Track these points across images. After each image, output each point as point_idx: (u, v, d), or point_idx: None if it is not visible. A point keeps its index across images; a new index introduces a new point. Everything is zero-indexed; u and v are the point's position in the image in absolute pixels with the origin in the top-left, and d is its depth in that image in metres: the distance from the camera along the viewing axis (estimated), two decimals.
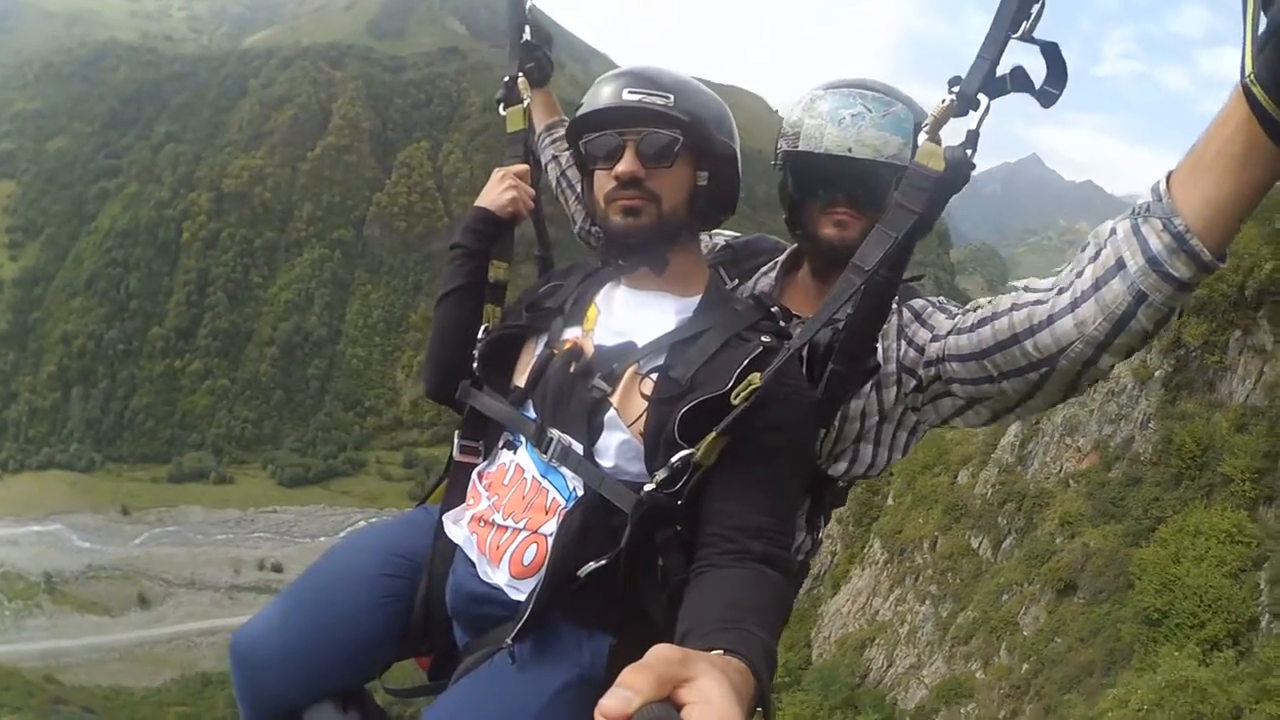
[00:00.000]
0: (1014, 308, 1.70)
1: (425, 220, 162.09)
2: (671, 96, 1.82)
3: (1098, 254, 1.50)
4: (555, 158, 2.81)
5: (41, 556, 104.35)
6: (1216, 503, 16.50)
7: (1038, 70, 1.64)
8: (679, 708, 0.82)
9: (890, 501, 28.60)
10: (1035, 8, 1.57)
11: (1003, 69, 1.64)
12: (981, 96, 1.65)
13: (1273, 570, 14.54)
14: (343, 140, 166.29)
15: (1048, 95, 1.64)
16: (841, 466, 2.09)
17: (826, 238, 2.09)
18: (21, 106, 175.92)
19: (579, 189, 2.61)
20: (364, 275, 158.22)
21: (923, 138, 1.73)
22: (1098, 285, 1.47)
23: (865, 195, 2.02)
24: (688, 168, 1.87)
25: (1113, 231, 1.48)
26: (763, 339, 1.75)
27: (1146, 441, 18.82)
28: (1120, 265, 1.43)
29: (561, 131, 2.74)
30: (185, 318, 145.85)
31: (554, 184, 2.74)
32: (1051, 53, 1.61)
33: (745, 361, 1.68)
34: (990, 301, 1.82)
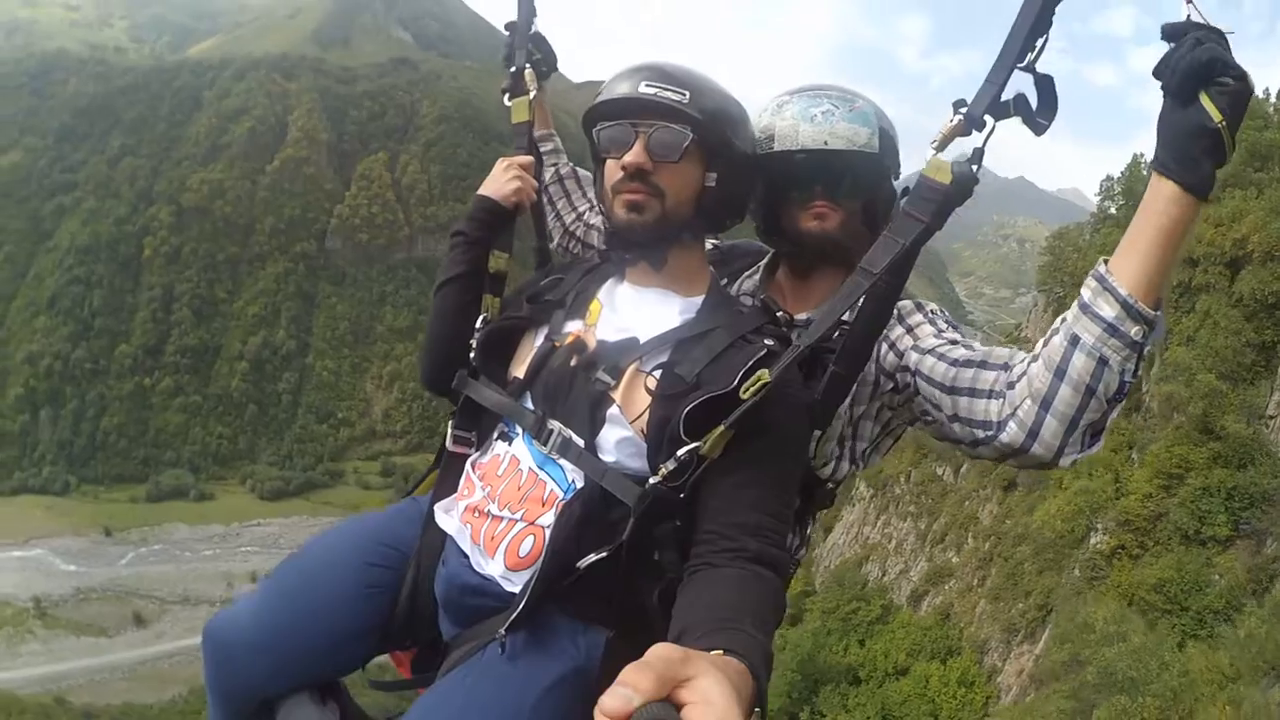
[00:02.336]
0: (984, 364, 1.84)
1: (387, 232, 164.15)
2: (688, 93, 1.83)
3: (1047, 342, 1.69)
4: (554, 166, 2.77)
5: (27, 582, 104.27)
6: None
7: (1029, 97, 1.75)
8: (679, 707, 0.83)
9: None
10: (1040, 41, 1.67)
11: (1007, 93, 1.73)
12: (987, 118, 1.73)
13: None
14: (301, 152, 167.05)
15: (1039, 125, 1.74)
16: (830, 468, 2.16)
17: (809, 231, 2.16)
18: None
19: (558, 206, 2.72)
20: (328, 288, 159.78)
21: (930, 153, 1.78)
22: (1063, 363, 1.65)
23: (840, 184, 2.11)
24: (697, 167, 1.88)
25: (1056, 330, 1.70)
26: (767, 342, 1.77)
27: None
28: (1075, 341, 1.63)
29: (552, 145, 2.79)
30: (152, 334, 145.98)
31: (548, 190, 2.71)
32: (1045, 85, 1.72)
33: (751, 361, 1.71)
34: (974, 348, 1.93)
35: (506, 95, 2.45)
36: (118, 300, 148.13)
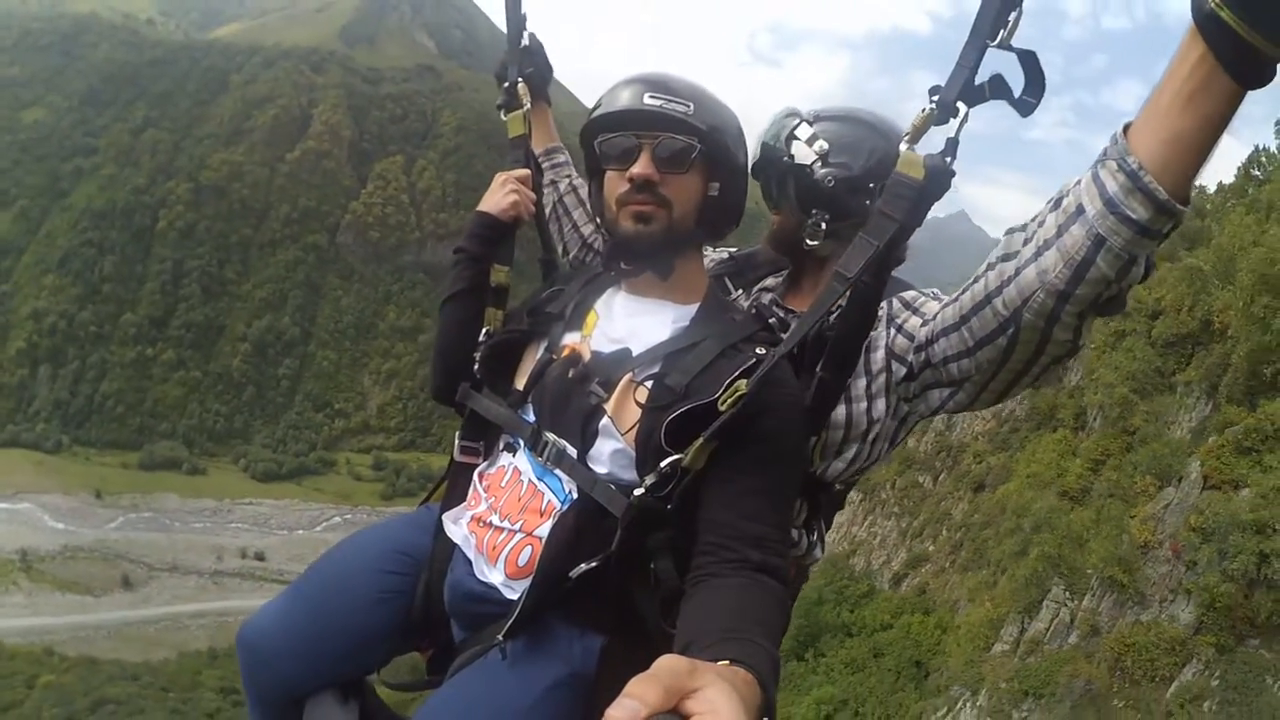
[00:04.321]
0: (988, 268, 1.69)
1: (398, 233, 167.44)
2: (691, 105, 1.84)
3: (1060, 203, 1.51)
4: (553, 182, 2.74)
5: (13, 534, 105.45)
6: (1049, 435, 31.09)
7: (1016, 80, 1.63)
8: (686, 718, 0.83)
9: None
10: (1012, 16, 1.56)
11: (982, 77, 1.63)
12: (960, 105, 1.65)
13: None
14: (322, 146, 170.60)
15: (1025, 104, 1.63)
16: (839, 466, 2.09)
17: (773, 230, 2.22)
18: None
19: (575, 217, 2.69)
20: (336, 280, 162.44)
21: (903, 146, 1.72)
22: (1059, 232, 1.47)
23: (826, 206, 2.08)
24: (700, 177, 1.89)
25: (1077, 181, 1.48)
26: (757, 350, 1.76)
27: (1020, 407, 34.25)
28: (1080, 210, 1.43)
29: (560, 158, 2.78)
30: (159, 306, 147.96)
31: (547, 210, 2.63)
32: (1029, 61, 1.61)
33: (736, 371, 1.70)
34: (975, 274, 1.78)
35: (502, 110, 2.46)
36: (128, 268, 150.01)
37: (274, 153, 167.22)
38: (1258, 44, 1.19)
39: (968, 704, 19.33)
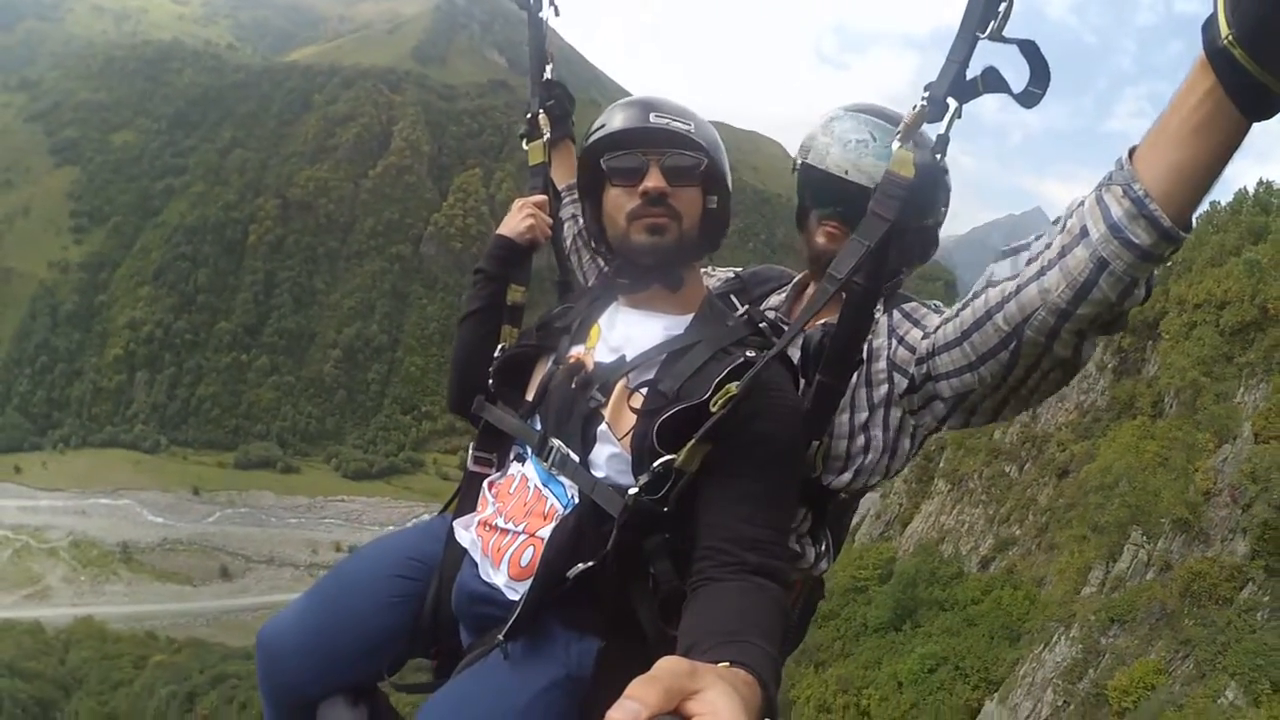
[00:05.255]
0: (989, 285, 1.67)
1: (479, 243, 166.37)
2: (692, 124, 1.92)
3: (1065, 224, 1.49)
4: (574, 216, 2.75)
5: (114, 528, 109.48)
6: (1129, 421, 32.12)
7: (1021, 73, 1.60)
8: None
9: (948, 452, 43.89)
10: (1003, 6, 1.54)
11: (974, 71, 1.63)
12: (951, 100, 1.65)
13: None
14: (404, 161, 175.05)
15: (1030, 95, 1.61)
16: (845, 479, 2.08)
17: (817, 245, 2.19)
18: (85, 96, 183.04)
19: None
20: (420, 289, 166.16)
21: (895, 144, 1.73)
22: (1063, 253, 1.46)
23: (854, 215, 1.92)
24: (702, 191, 1.96)
25: (1080, 203, 1.47)
26: (747, 353, 1.78)
27: (1101, 398, 35.85)
28: (1084, 233, 1.42)
29: None
30: (252, 315, 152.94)
31: (568, 243, 2.73)
32: (1030, 51, 1.59)
33: (724, 372, 1.72)
34: (974, 289, 1.77)
35: (524, 140, 2.62)
36: (221, 280, 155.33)
37: (357, 169, 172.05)
38: (1267, 81, 1.18)
39: (1062, 637, 21.63)
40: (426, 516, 2.50)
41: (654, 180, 1.89)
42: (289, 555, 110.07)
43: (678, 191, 1.91)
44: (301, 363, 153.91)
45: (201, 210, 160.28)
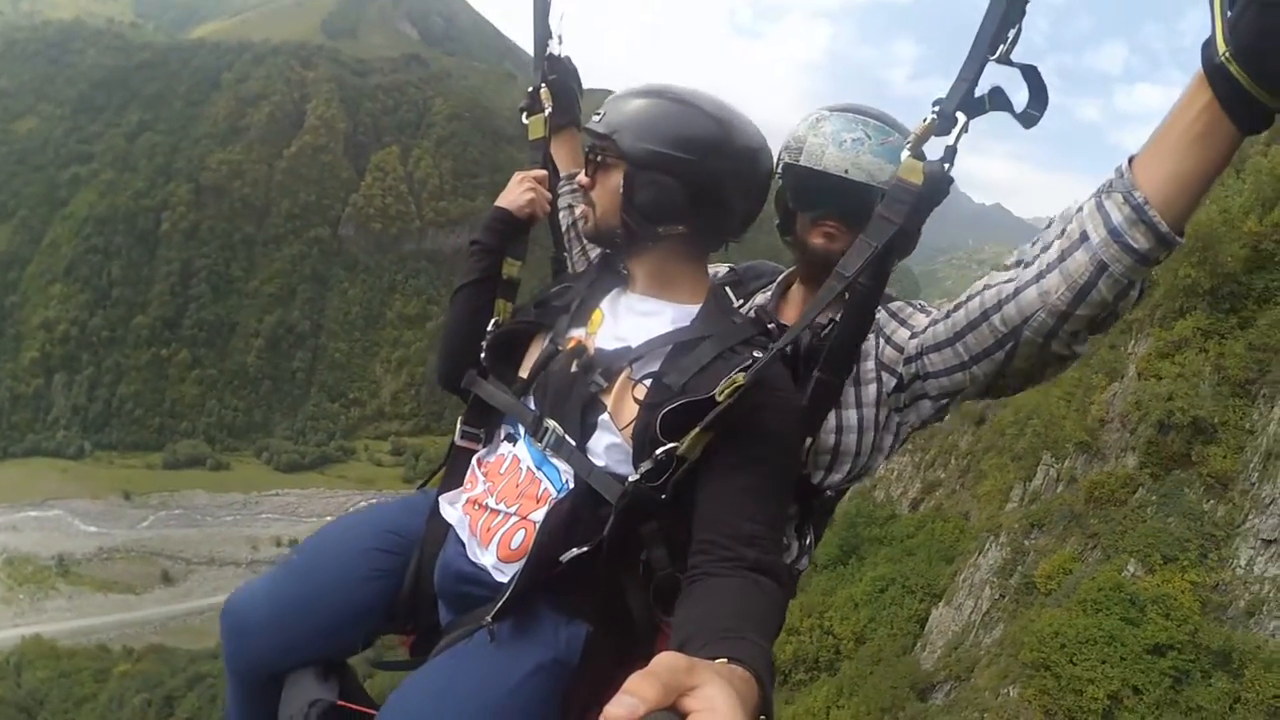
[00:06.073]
0: (985, 288, 1.74)
1: (399, 223, 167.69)
2: (604, 112, 1.93)
3: (1064, 229, 1.55)
4: (570, 206, 2.70)
5: (47, 541, 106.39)
6: None
7: (1020, 94, 1.69)
8: (684, 716, 0.83)
9: None
10: (1011, 33, 1.62)
11: (982, 89, 1.69)
12: (960, 115, 1.69)
13: None
14: (319, 140, 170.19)
15: (1029, 117, 1.69)
16: (836, 477, 2.12)
17: (814, 246, 2.16)
18: None
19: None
20: (341, 273, 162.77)
21: (905, 154, 1.76)
22: (1062, 257, 1.52)
23: (855, 214, 2.03)
24: (613, 177, 1.93)
25: (1079, 208, 1.54)
26: (754, 354, 1.77)
27: None
28: (1084, 238, 1.49)
29: None
30: (170, 307, 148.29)
31: (564, 230, 2.68)
32: (1031, 76, 1.67)
33: (733, 371, 1.69)
34: (967, 292, 1.82)
35: (524, 114, 2.56)
36: (135, 272, 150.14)
37: (271, 150, 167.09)
38: (1262, 98, 1.26)
39: (992, 544, 25.25)
40: (364, 504, 2.83)
41: (580, 175, 1.99)
42: (230, 554, 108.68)
43: (596, 181, 1.97)
44: (224, 354, 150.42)
45: (111, 199, 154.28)
